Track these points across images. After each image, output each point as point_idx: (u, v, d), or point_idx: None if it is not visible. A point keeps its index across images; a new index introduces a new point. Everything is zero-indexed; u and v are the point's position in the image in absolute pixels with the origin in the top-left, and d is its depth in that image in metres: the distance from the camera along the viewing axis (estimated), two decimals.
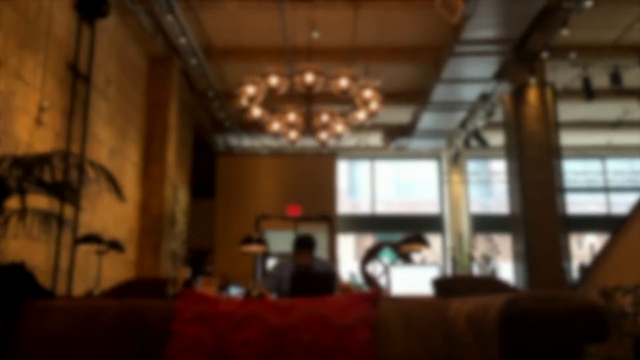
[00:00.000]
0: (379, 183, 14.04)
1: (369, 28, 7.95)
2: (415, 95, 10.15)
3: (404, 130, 11.57)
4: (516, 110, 8.35)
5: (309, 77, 6.02)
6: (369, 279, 3.66)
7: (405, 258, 4.73)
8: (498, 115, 9.43)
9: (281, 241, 7.63)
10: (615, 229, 5.82)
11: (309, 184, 10.73)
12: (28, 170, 3.02)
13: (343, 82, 6.10)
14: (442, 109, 10.06)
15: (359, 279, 5.31)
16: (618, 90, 8.80)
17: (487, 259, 11.47)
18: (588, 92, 8.64)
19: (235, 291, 5.00)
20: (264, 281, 5.10)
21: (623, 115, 10.88)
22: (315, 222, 10.30)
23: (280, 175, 10.94)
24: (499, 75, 8.54)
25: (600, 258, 5.84)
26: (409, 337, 1.70)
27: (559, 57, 8.18)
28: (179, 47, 7.80)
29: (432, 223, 13.40)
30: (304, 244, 4.66)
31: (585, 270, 6.46)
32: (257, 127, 8.17)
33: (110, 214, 6.51)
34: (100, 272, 4.76)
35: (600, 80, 8.67)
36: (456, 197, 13.01)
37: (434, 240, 12.85)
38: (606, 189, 13.87)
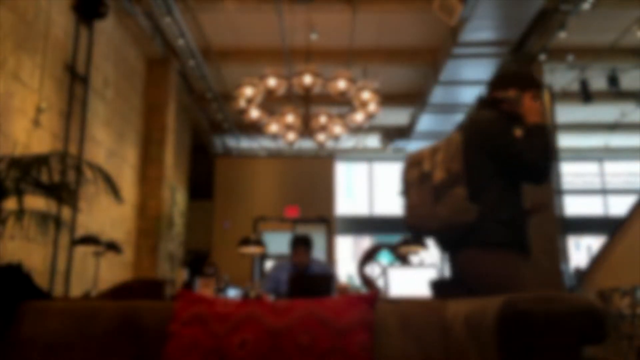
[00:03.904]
0: (377, 184, 14.04)
1: (367, 30, 7.96)
2: (414, 97, 10.16)
3: (402, 132, 11.58)
4: None
5: (307, 79, 6.03)
6: (367, 281, 3.67)
7: (403, 260, 4.74)
8: None
9: (279, 243, 7.63)
10: (612, 231, 5.81)
11: (307, 186, 10.73)
12: (25, 171, 3.01)
13: (341, 84, 6.10)
14: (441, 110, 10.06)
15: (357, 281, 5.31)
16: (616, 92, 8.81)
17: None
18: (585, 95, 8.65)
19: (233, 292, 5.00)
20: (262, 283, 5.10)
21: (620, 117, 10.90)
22: (313, 223, 10.30)
23: (279, 177, 10.93)
24: None
25: (598, 260, 5.83)
26: (406, 339, 1.70)
27: (557, 59, 8.20)
28: (177, 49, 7.79)
29: None
30: (301, 241, 4.75)
31: (580, 275, 6.46)
32: (255, 129, 8.17)
33: (107, 215, 6.49)
34: (97, 274, 4.74)
35: (598, 82, 8.69)
36: None
37: (432, 241, 12.84)
38: (604, 191, 13.89)
